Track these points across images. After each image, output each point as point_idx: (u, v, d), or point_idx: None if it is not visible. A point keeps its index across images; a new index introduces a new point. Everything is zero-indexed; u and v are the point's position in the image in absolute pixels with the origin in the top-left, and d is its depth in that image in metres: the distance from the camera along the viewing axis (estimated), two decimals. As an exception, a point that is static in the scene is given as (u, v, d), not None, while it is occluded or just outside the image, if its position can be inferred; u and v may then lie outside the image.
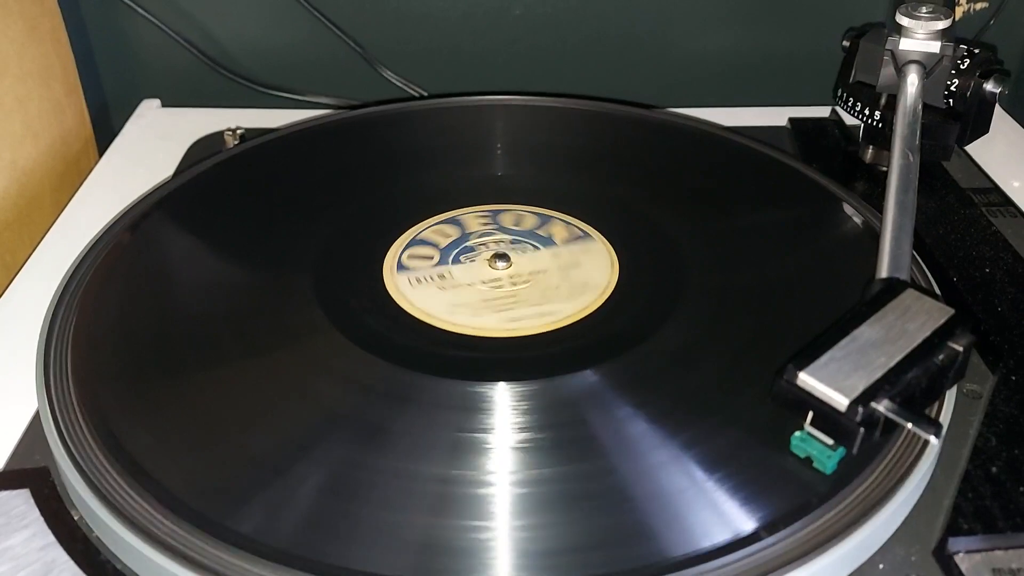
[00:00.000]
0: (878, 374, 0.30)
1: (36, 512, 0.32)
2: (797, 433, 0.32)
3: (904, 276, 0.36)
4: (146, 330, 0.38)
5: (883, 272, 0.37)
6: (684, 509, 0.30)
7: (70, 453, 0.32)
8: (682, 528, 0.30)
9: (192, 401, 0.35)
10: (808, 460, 0.32)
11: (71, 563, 0.30)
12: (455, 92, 0.59)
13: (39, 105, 0.58)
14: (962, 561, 0.30)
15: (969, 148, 0.55)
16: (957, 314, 0.33)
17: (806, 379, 0.30)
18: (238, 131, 0.55)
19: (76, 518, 0.32)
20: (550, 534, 0.30)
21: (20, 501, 0.32)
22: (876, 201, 0.44)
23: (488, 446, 0.33)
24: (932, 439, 0.30)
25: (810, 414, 0.31)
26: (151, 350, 0.37)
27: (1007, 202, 0.51)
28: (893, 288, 0.34)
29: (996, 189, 0.52)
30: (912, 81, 0.47)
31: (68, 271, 0.41)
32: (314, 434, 0.33)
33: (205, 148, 0.55)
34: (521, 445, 0.33)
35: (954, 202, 0.50)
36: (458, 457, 0.32)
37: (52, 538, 0.31)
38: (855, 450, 0.30)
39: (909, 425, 0.30)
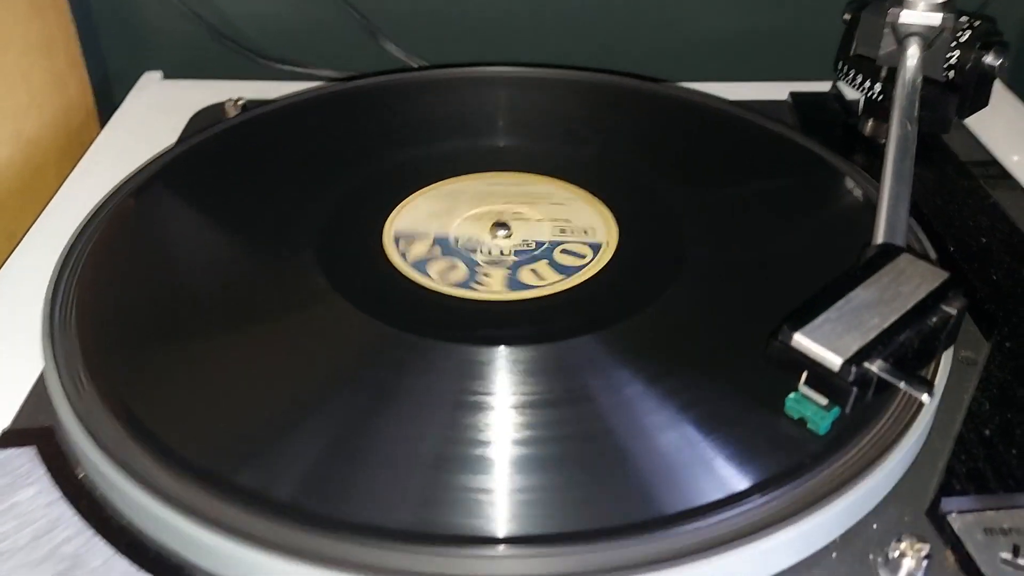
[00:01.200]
0: (872, 335, 0.31)
1: (42, 469, 0.32)
2: (791, 395, 0.32)
3: (900, 242, 0.37)
4: (148, 292, 0.39)
5: (879, 238, 0.37)
6: (680, 469, 0.31)
7: (75, 412, 0.32)
8: (677, 487, 0.30)
9: (194, 361, 0.35)
10: (802, 421, 0.32)
11: (77, 518, 0.30)
12: (457, 63, 0.59)
13: (42, 76, 0.58)
14: (954, 521, 0.31)
15: (969, 123, 0.55)
16: (951, 277, 0.33)
17: (800, 339, 0.31)
18: (239, 102, 0.55)
19: (81, 476, 0.32)
20: (547, 491, 0.30)
21: (26, 459, 0.32)
22: (876, 173, 0.44)
23: (488, 408, 0.33)
24: (924, 397, 0.30)
25: (804, 374, 0.31)
26: (153, 312, 0.38)
27: (1006, 175, 0.51)
28: (889, 252, 0.35)
29: (995, 163, 0.52)
30: (912, 53, 0.47)
31: (73, 235, 0.41)
32: (315, 393, 0.34)
33: (207, 119, 0.55)
34: (520, 407, 0.33)
35: (952, 174, 0.50)
36: (459, 418, 0.33)
37: (58, 494, 0.31)
38: (848, 410, 0.31)
39: (902, 384, 0.30)
